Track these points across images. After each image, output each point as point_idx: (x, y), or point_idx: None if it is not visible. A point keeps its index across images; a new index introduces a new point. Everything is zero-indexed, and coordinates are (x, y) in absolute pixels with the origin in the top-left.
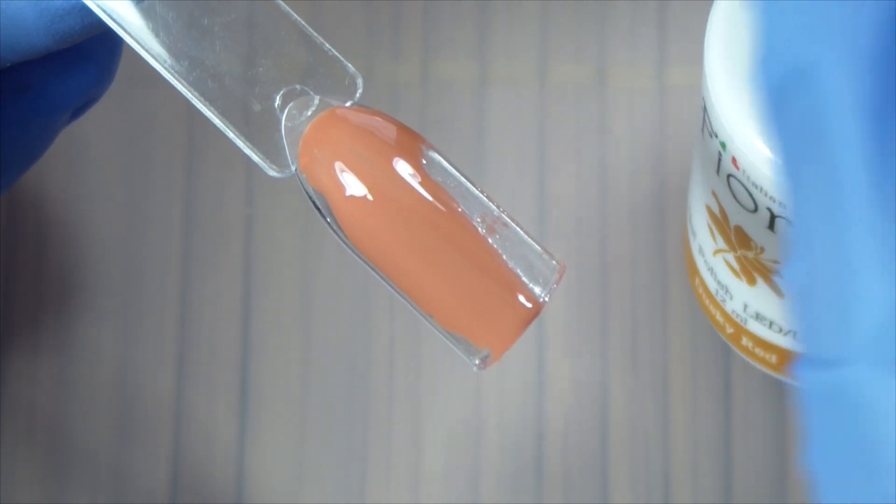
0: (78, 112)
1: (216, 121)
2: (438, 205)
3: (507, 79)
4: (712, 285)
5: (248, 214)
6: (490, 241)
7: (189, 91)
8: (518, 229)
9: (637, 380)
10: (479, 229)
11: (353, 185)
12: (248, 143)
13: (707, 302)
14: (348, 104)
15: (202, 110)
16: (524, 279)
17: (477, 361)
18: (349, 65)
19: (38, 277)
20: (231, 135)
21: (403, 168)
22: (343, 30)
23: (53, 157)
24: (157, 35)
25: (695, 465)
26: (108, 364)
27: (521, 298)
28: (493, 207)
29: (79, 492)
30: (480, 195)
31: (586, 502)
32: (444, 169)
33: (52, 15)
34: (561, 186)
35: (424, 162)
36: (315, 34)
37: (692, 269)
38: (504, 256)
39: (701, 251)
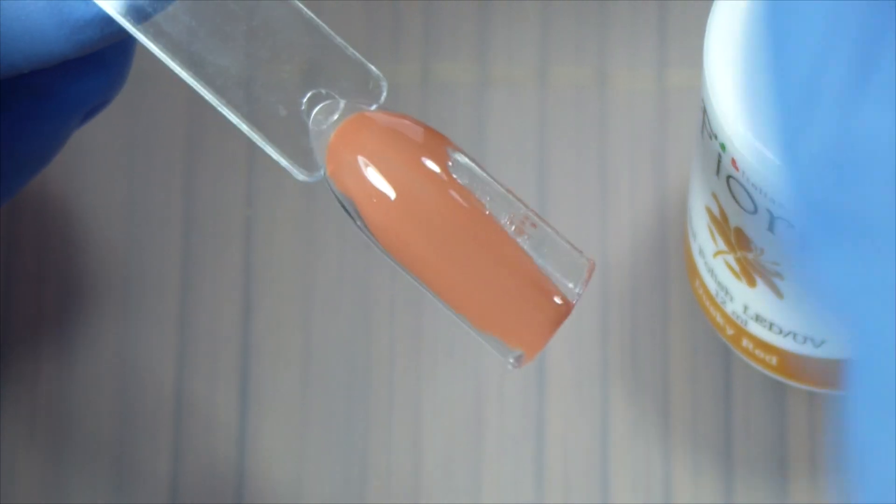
0: (89, 115)
1: (243, 127)
2: (466, 206)
3: (508, 80)
4: (712, 287)
5: (248, 215)
6: (519, 241)
7: (215, 97)
8: (547, 228)
9: (637, 380)
10: (508, 230)
11: (381, 189)
12: (275, 148)
13: (707, 303)
14: (373, 107)
15: (229, 116)
16: (554, 278)
17: (511, 360)
18: (373, 68)
19: (38, 277)
20: (258, 140)
21: (430, 170)
22: (343, 30)
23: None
24: (181, 43)
25: (695, 465)
26: (109, 364)
27: (553, 298)
28: (522, 207)
29: (79, 491)
30: (508, 195)
31: (586, 502)
32: (471, 170)
33: (72, 26)
34: (561, 187)
35: (450, 164)
36: (338, 38)
37: (692, 271)
38: (534, 256)
39: (701, 252)
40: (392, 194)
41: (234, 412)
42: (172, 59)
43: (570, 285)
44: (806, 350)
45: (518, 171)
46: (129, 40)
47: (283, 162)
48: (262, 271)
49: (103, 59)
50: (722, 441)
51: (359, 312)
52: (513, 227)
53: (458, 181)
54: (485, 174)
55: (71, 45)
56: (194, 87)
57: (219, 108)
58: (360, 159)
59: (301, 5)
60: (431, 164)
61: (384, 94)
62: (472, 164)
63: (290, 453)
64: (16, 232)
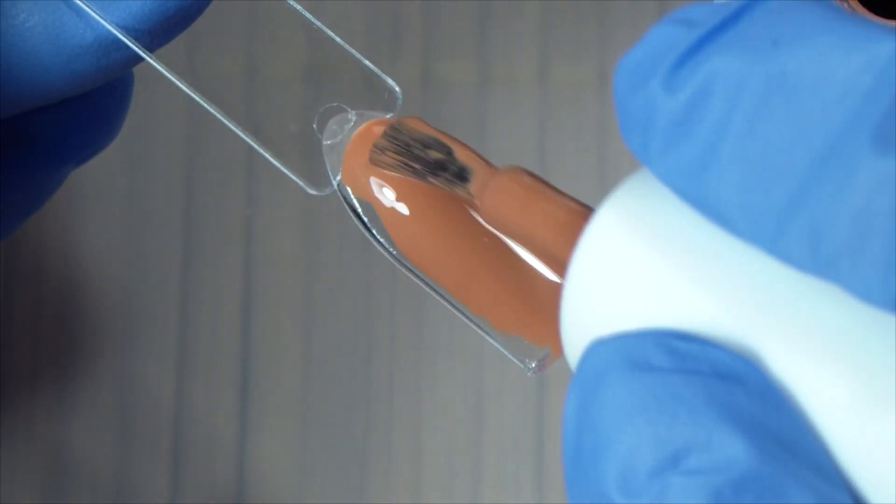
0: (82, 160)
1: (253, 144)
2: None
3: (508, 79)
4: None
5: (248, 215)
6: None
7: (225, 117)
8: None
9: None
10: None
11: (395, 197)
12: (286, 165)
13: None
14: (388, 116)
15: (239, 134)
16: None
17: (533, 364)
18: (388, 78)
19: (38, 278)
20: (269, 157)
21: None
22: (343, 30)
23: None
24: None
25: None
26: (109, 365)
27: None
28: None
29: (79, 492)
30: None
31: None
32: None
33: (69, 54)
34: (561, 186)
35: None
36: (350, 49)
37: None
38: None
39: None
40: (408, 208)
41: (235, 413)
42: (183, 83)
43: None
44: None
45: None
46: (124, 88)
47: (294, 178)
48: (263, 272)
49: (98, 108)
50: None
51: (359, 312)
52: None
53: None
54: None
55: (67, 76)
56: (204, 106)
57: (228, 126)
58: (374, 168)
59: (313, 18)
60: None
61: (399, 102)
62: None
63: (290, 453)
64: (15, 234)
